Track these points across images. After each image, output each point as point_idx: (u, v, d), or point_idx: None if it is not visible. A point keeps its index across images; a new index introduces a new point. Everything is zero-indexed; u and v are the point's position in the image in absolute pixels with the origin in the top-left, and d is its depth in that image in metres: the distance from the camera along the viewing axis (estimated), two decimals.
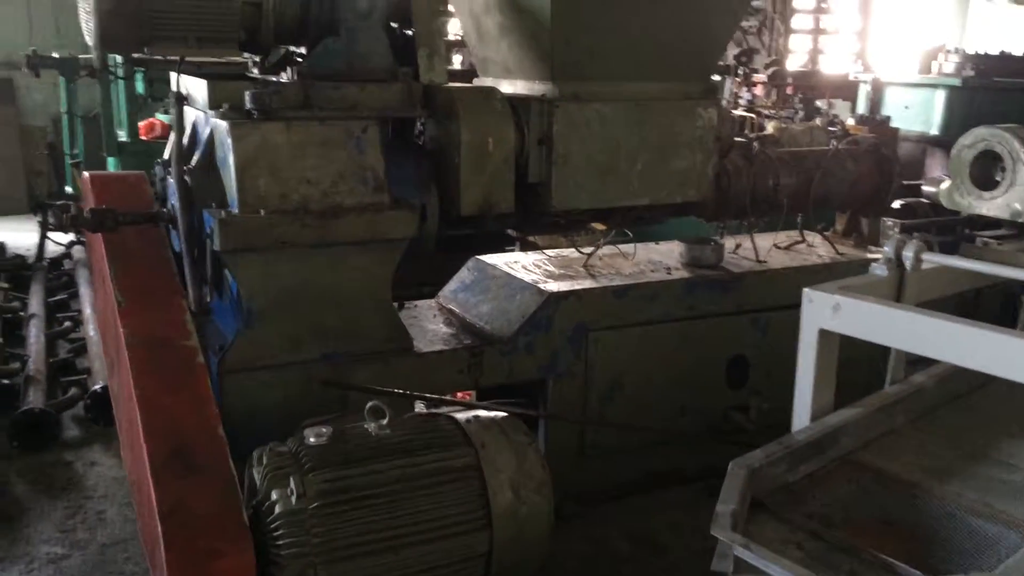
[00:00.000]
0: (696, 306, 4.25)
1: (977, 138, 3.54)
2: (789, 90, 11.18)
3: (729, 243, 4.76)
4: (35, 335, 5.88)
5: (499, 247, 4.87)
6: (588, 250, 4.50)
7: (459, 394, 4.23)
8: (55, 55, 8.70)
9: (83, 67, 8.57)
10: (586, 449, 4.10)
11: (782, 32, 11.89)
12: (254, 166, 3.27)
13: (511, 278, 4.18)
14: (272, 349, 3.40)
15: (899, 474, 2.64)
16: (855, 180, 4.86)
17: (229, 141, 3.26)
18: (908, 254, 3.04)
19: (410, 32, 3.75)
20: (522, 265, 4.36)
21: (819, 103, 10.83)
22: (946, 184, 3.71)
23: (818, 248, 4.94)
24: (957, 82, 7.77)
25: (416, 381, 3.62)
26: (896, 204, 5.59)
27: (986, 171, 3.56)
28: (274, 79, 3.68)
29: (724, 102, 10.46)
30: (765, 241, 4.87)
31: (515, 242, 5.03)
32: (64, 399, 5.05)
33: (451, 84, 3.82)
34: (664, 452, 4.24)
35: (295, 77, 3.53)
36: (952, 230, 5.69)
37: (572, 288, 4.02)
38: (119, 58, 7.85)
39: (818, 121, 8.04)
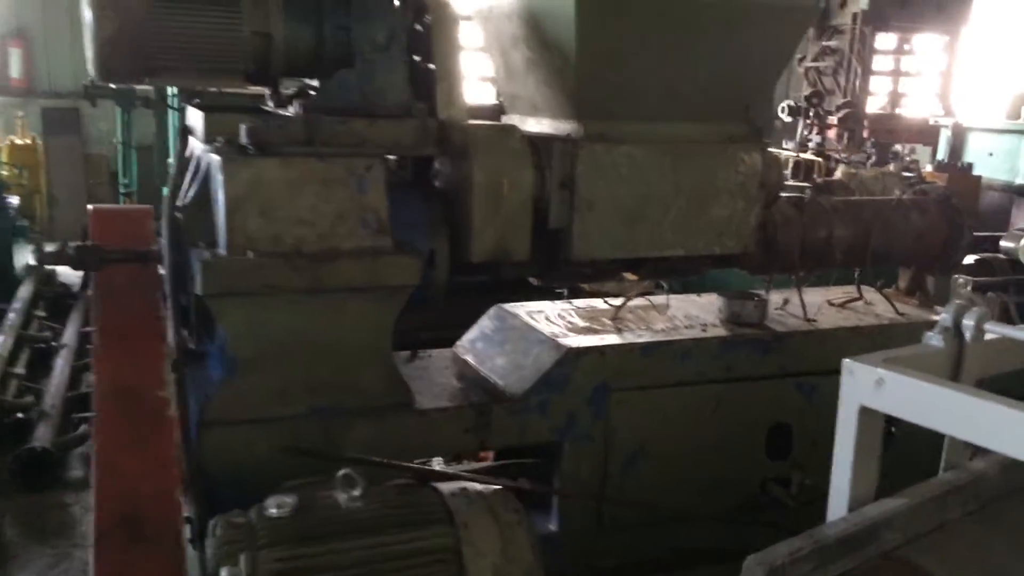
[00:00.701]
0: (734, 367, 3.87)
1: None
2: (864, 133, 10.75)
3: (777, 298, 4.37)
4: (60, 366, 5.82)
5: (549, 293, 4.57)
6: (617, 302, 4.16)
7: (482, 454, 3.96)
8: (112, 85, 8.79)
9: (139, 97, 8.63)
10: (605, 520, 3.75)
11: (859, 74, 11.41)
12: (245, 204, 3.05)
13: (530, 329, 3.86)
14: (257, 402, 3.14)
15: None
16: (920, 233, 4.43)
17: (220, 177, 3.05)
18: (968, 322, 2.66)
19: (432, 66, 3.53)
20: (545, 316, 4.04)
21: (897, 148, 10.37)
22: None
23: (876, 307, 4.50)
24: None
25: (416, 440, 3.34)
26: (970, 259, 5.14)
27: None
28: (281, 112, 3.49)
29: (793, 144, 10.08)
30: (817, 297, 4.47)
31: (564, 288, 4.73)
32: (71, 437, 4.93)
33: (469, 121, 3.56)
34: (693, 527, 3.85)
35: (299, 111, 3.33)
36: None
37: (594, 343, 3.69)
38: (174, 88, 7.85)
39: (892, 167, 7.57)
